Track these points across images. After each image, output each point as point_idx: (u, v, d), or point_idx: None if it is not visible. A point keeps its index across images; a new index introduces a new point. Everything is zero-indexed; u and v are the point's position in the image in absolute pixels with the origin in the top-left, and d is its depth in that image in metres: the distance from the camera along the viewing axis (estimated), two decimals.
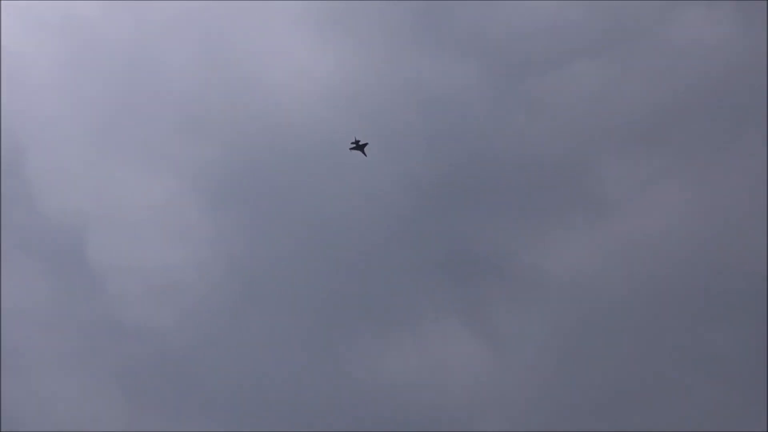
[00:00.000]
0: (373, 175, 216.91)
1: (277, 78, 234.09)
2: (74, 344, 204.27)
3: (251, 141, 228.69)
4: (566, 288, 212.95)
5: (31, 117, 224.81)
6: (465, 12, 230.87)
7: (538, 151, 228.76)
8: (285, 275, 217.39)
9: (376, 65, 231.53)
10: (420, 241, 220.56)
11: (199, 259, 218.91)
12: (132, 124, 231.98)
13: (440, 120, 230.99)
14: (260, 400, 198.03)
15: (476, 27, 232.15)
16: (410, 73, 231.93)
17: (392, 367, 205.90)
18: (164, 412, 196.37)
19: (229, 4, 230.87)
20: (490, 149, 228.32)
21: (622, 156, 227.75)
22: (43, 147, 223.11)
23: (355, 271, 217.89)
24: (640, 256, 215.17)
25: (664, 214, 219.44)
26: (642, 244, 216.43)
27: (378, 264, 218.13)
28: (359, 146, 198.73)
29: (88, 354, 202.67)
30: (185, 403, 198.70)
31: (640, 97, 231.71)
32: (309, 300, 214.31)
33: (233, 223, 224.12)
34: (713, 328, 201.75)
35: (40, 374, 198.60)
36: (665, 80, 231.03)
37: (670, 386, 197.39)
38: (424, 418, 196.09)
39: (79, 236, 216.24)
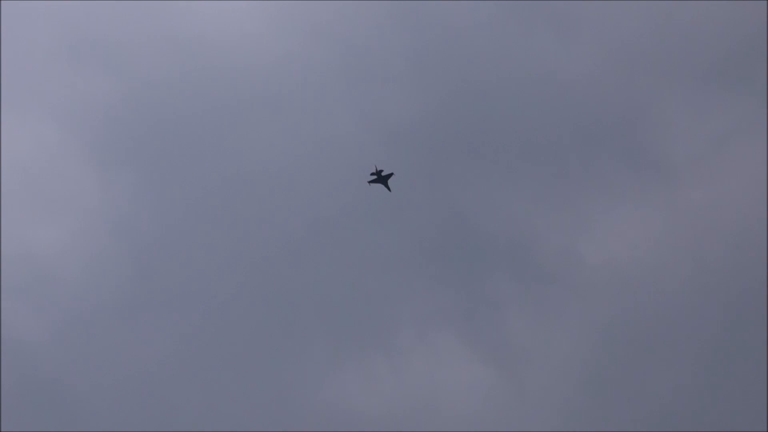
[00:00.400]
0: (336, 123, 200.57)
1: None
2: None
3: (160, 73, 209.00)
4: (609, 283, 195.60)
5: None
6: None
7: (575, 93, 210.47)
8: (206, 265, 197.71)
9: None
10: (402, 220, 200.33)
11: (84, 240, 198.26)
12: None
13: (436, 46, 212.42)
14: None
15: None
16: None
17: (360, 397, 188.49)
18: None
19: None
20: (507, 89, 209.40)
21: (693, 102, 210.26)
22: None
23: (307, 262, 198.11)
24: (715, 237, 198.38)
25: (747, 180, 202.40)
26: (718, 221, 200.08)
27: (340, 252, 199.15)
28: (381, 178, 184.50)
29: None
30: None
31: (719, 20, 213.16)
32: (240, 301, 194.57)
33: (133, 190, 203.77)
34: None
35: None
36: None
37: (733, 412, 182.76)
38: None
39: None
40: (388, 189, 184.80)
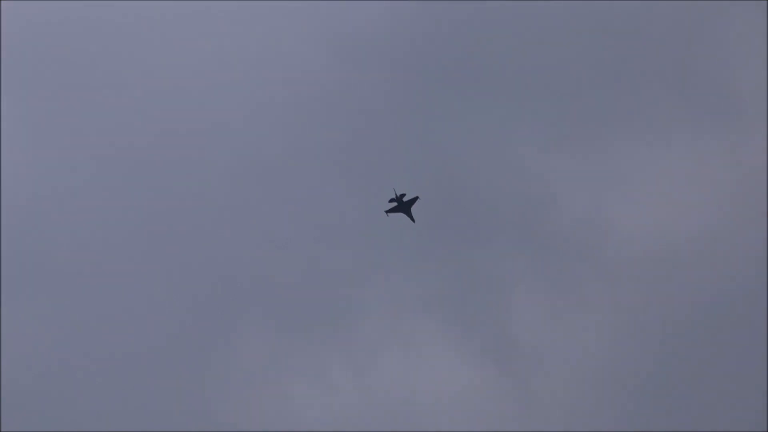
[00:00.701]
0: (287, 35, 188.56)
1: None
2: None
3: None
4: (645, 261, 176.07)
5: None
6: None
7: (605, 3, 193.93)
8: (115, 231, 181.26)
9: None
10: (370, 172, 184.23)
11: None
12: None
13: None
14: None
15: None
16: None
17: (314, 412, 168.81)
18: None
19: None
20: None
21: (764, 13, 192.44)
22: None
23: (242, 227, 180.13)
24: None
25: None
26: None
27: (287, 215, 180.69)
28: (403, 205, 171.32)
29: None
30: None
31: None
32: (153, 278, 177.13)
33: (30, 138, 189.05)
34: None
35: None
36: None
37: None
38: None
39: None
40: (412, 220, 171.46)
